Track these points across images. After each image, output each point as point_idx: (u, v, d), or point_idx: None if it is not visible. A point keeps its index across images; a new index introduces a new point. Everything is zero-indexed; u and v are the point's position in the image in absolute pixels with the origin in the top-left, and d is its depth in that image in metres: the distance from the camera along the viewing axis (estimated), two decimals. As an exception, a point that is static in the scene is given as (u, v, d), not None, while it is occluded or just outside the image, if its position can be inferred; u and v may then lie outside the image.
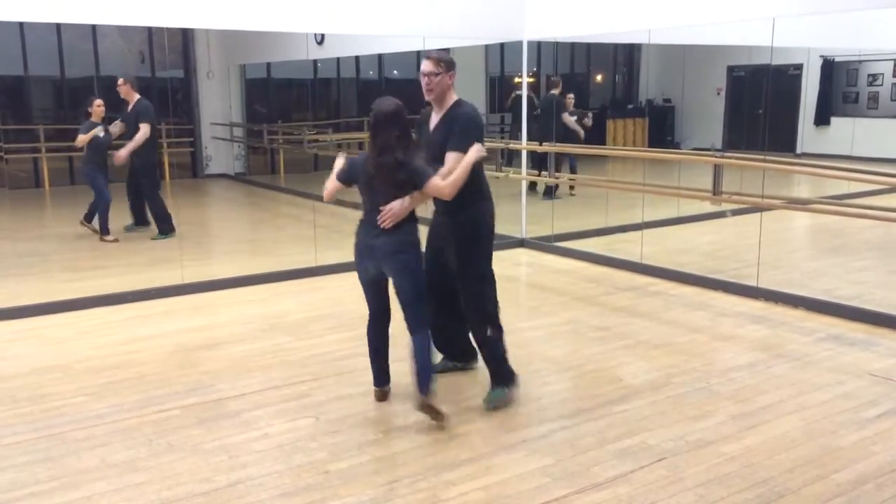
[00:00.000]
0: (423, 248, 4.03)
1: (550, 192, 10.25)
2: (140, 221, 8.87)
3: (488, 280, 4.15)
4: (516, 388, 4.19)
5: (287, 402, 4.24)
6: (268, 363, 4.84)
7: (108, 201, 8.40)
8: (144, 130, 8.28)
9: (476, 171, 3.95)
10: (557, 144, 9.23)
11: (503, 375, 4.17)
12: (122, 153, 8.37)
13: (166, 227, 8.56)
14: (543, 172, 9.10)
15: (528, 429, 3.86)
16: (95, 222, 8.48)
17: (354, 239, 3.93)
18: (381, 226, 3.75)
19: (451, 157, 3.89)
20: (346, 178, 3.94)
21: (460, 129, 3.95)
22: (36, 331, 5.59)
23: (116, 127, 8.59)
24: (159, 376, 4.63)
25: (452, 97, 4.08)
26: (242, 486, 3.33)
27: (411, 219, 3.84)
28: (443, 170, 3.86)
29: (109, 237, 8.36)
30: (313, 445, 3.70)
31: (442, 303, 4.17)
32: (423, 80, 4.03)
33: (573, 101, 11.35)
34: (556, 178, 8.64)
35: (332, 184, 3.96)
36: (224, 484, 3.35)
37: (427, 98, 4.08)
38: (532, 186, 10.27)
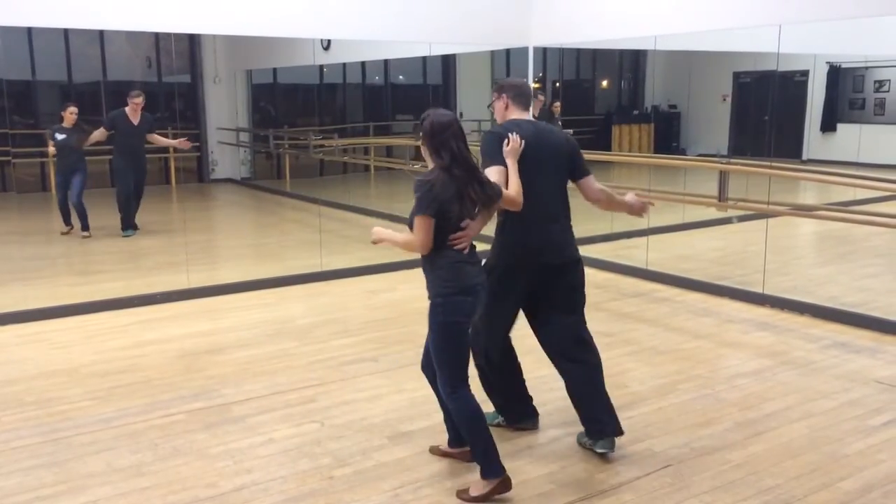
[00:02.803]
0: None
1: None
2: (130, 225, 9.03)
3: None
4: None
5: (292, 407, 4.24)
6: (273, 368, 4.85)
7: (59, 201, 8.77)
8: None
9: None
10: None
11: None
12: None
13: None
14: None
15: (532, 435, 3.86)
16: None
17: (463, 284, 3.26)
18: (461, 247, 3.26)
19: (488, 172, 3.47)
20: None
21: (482, 150, 3.65)
22: (42, 335, 5.61)
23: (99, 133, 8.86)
24: (165, 381, 4.64)
25: (509, 117, 3.74)
26: (247, 492, 3.33)
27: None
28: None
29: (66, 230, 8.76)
30: (318, 451, 3.71)
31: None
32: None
33: (558, 109, 11.32)
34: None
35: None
36: (229, 489, 3.35)
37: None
38: None
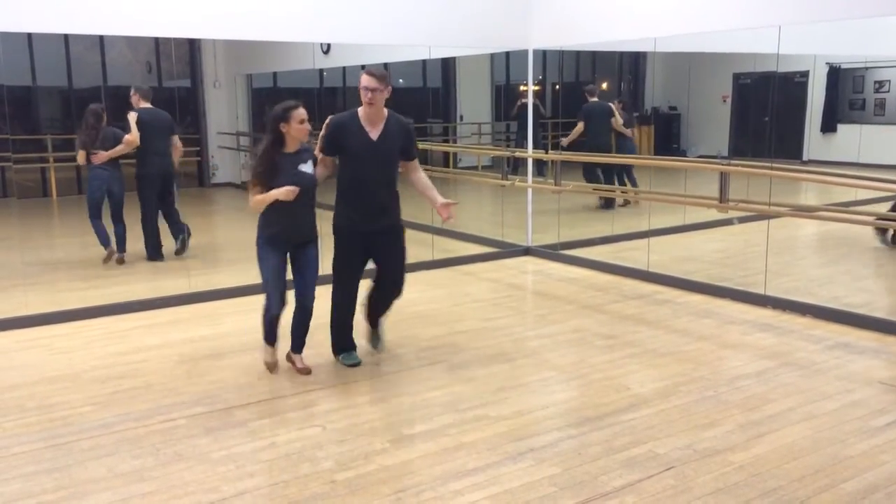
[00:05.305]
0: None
1: (610, 203, 10.53)
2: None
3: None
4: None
5: (293, 412, 4.24)
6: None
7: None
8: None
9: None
10: (563, 153, 9.23)
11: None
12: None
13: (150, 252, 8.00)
14: (565, 182, 9.04)
15: (535, 438, 3.85)
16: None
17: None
18: None
19: (417, 165, 4.84)
20: None
21: (414, 140, 4.84)
22: (43, 340, 5.60)
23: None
24: (166, 385, 4.63)
25: (384, 108, 4.66)
26: (249, 496, 3.32)
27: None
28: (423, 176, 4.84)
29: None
30: (320, 455, 3.70)
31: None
32: (367, 95, 4.52)
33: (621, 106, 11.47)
34: (564, 186, 8.61)
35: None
36: (231, 493, 3.34)
37: (368, 109, 4.61)
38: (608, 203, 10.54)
